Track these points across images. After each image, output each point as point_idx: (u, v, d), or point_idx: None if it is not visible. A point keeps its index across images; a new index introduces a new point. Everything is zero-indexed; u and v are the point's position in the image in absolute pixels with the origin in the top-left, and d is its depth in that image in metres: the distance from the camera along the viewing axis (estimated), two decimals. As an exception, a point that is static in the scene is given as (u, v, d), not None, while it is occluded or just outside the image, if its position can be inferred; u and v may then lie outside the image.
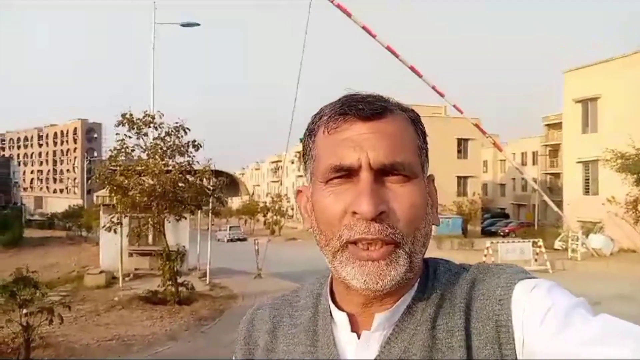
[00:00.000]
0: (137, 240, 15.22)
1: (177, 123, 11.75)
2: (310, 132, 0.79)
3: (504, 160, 51.51)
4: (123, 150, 11.60)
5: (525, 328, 0.67)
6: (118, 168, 11.47)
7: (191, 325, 9.20)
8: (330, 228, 0.72)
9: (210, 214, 15.09)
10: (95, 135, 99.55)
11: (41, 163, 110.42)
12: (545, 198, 21.99)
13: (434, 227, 0.80)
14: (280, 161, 63.07)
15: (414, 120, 0.78)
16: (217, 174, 13.11)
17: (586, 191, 26.71)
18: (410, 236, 0.71)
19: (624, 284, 13.19)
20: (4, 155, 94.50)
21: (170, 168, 11.45)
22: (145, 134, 11.83)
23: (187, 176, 11.82)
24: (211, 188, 12.29)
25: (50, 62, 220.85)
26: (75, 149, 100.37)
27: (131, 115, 11.46)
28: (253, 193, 76.58)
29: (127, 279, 14.45)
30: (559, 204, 27.11)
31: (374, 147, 0.71)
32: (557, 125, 40.77)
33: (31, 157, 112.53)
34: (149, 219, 11.84)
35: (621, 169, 21.03)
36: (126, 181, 11.09)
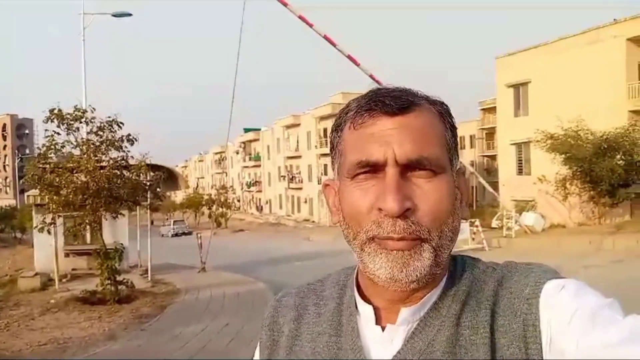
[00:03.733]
0: (74, 239, 14.73)
1: (109, 117, 11.41)
2: (337, 127, 0.78)
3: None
4: (53, 147, 11.15)
5: (552, 328, 0.67)
6: (48, 166, 11.02)
7: (131, 324, 9.00)
8: (357, 223, 0.72)
9: (148, 210, 14.75)
10: (27, 132, 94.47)
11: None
12: (481, 180, 22.81)
13: None
14: (224, 152, 62.20)
15: (443, 113, 0.76)
16: (154, 168, 12.81)
17: (519, 171, 27.80)
18: (437, 231, 0.70)
19: (555, 256, 13.90)
20: None
21: (104, 164, 11.11)
22: (77, 129, 11.42)
23: (123, 171, 11.50)
24: (148, 183, 12.01)
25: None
26: (5, 147, 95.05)
27: (60, 110, 11.01)
28: (197, 185, 75.33)
29: (64, 280, 13.92)
30: (496, 185, 28.20)
31: (400, 143, 0.70)
32: (492, 110, 42.19)
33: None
34: (85, 218, 11.47)
35: (550, 149, 22.07)
36: (57, 179, 10.68)
